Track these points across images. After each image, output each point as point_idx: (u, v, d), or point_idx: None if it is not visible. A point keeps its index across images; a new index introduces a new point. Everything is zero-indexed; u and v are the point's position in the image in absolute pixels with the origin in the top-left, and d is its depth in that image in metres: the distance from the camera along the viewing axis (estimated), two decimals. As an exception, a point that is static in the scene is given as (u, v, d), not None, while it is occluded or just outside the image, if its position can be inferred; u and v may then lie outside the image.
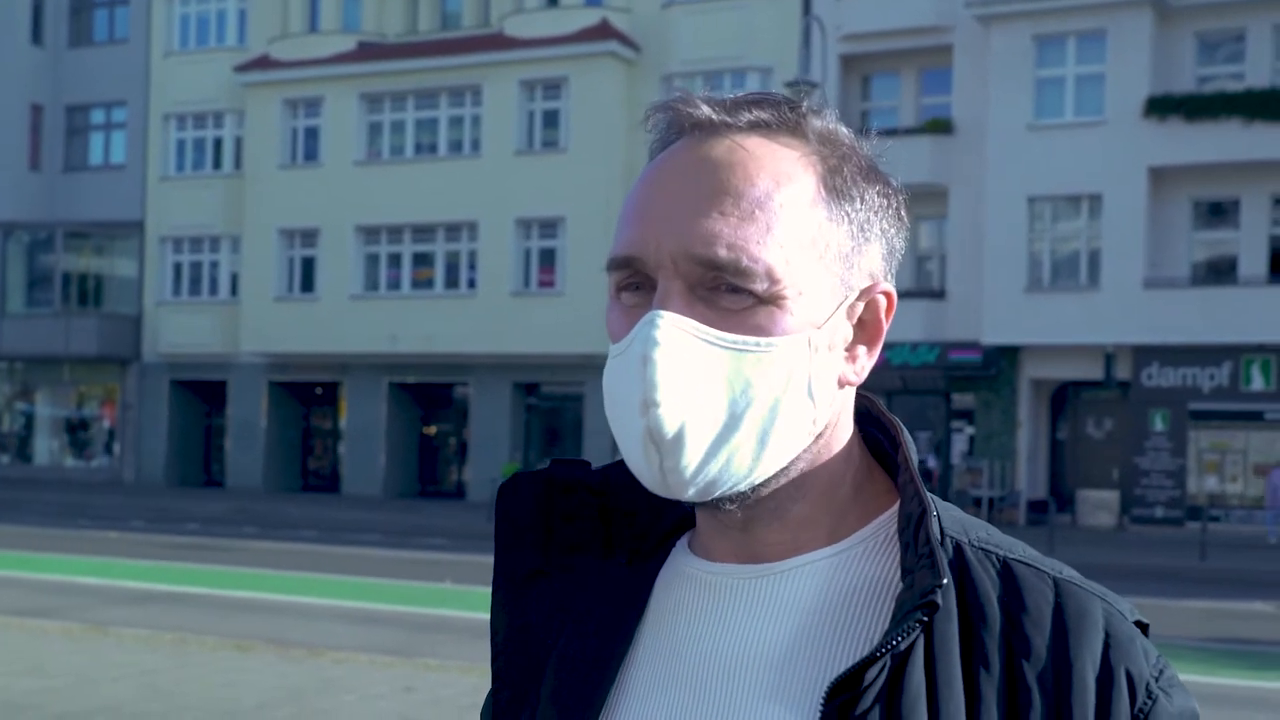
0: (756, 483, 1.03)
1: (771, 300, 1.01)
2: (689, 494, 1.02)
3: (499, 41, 30.56)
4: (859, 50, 28.05)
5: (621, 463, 1.15)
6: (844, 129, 1.08)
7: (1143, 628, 1.05)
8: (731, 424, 1.00)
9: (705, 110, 1.06)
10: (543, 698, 1.13)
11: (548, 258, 30.23)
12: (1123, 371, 25.91)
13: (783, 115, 1.06)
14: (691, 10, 29.15)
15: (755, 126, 1.05)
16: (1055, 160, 25.48)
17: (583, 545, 1.17)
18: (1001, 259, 25.82)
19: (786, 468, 1.04)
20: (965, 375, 26.93)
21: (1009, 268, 25.88)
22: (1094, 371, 26.04)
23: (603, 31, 29.36)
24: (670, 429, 0.99)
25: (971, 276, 26.29)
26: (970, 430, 27.48)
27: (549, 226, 30.12)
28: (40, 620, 11.59)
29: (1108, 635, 1.01)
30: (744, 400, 1.00)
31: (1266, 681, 10.45)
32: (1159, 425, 25.81)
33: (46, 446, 37.56)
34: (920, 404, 27.29)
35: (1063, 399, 27.70)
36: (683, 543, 1.15)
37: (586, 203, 29.14)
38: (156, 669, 9.43)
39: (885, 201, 1.08)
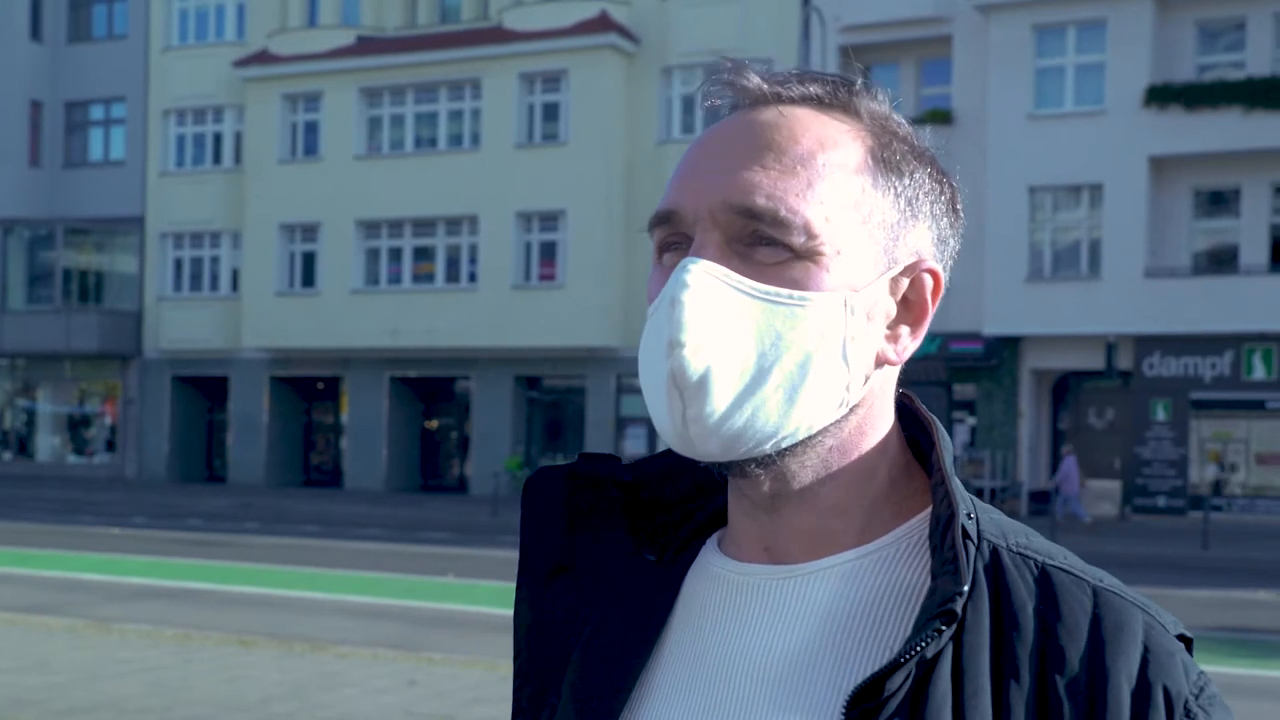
0: (783, 444, 1.00)
1: (808, 255, 0.99)
2: (711, 446, 0.98)
3: (498, 35, 30.54)
4: (858, 41, 27.99)
5: (651, 458, 1.15)
6: (897, 114, 1.07)
7: (1186, 642, 1.01)
8: (759, 375, 0.98)
9: (757, 81, 1.04)
10: (564, 695, 1.11)
11: (548, 251, 30.22)
12: (1124, 361, 25.91)
13: (836, 92, 1.05)
14: (691, 2, 29.11)
15: (807, 100, 1.04)
16: (1055, 150, 25.47)
17: (609, 541, 1.14)
18: (1002, 249, 25.81)
19: (815, 438, 1.02)
20: (966, 366, 26.94)
21: (1010, 258, 25.87)
22: (1095, 361, 26.03)
23: (602, 24, 29.33)
24: (695, 371, 0.96)
25: (972, 267, 26.26)
26: (972, 421, 27.49)
27: (549, 219, 30.11)
28: (44, 617, 11.61)
29: (1146, 649, 0.97)
30: (774, 353, 0.98)
31: (1270, 670, 10.46)
32: (1160, 415, 25.81)
33: (48, 443, 37.59)
34: (921, 395, 26.00)
35: (1064, 389, 27.70)
36: (712, 541, 1.13)
37: (587, 195, 29.13)
38: (160, 665, 9.44)
39: (937, 187, 1.07)
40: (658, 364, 0.98)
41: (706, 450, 0.99)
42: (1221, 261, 25.91)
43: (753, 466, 1.01)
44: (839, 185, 1.01)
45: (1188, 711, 0.96)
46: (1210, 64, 25.84)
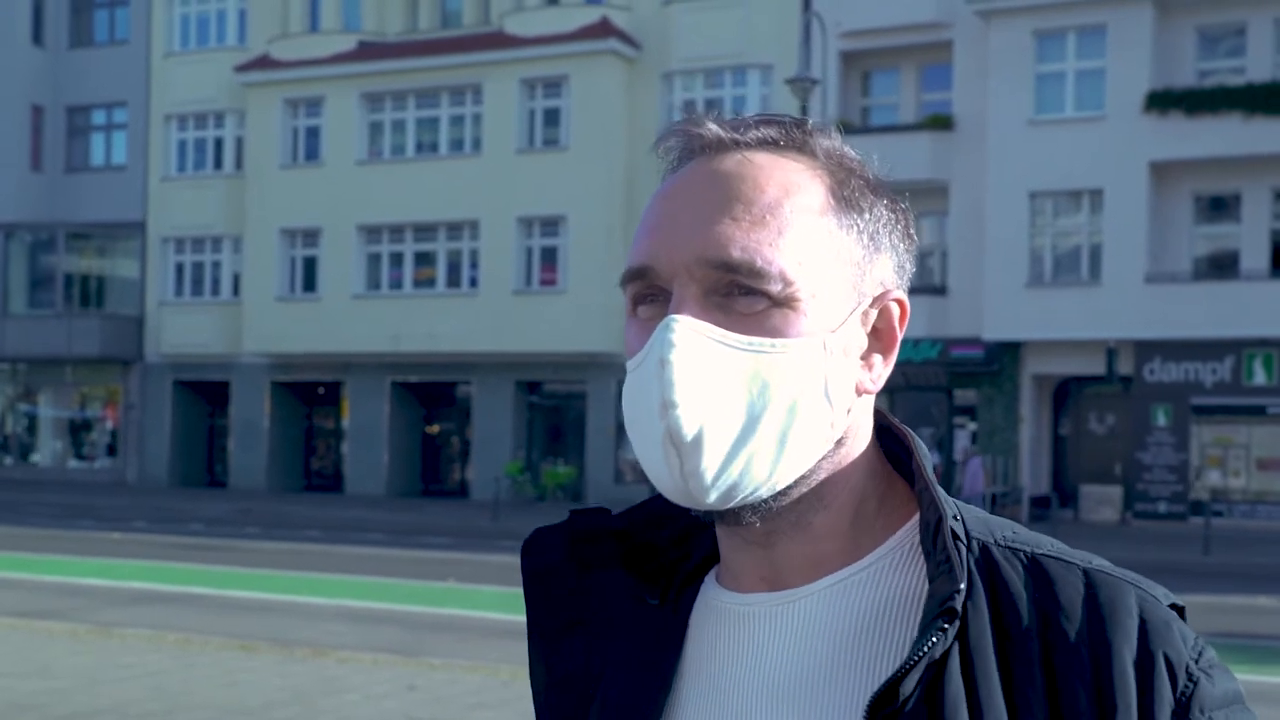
0: (778, 488, 1.03)
1: (786, 303, 1.02)
2: (710, 500, 1.01)
3: (499, 40, 30.56)
4: (859, 47, 28.04)
5: (641, 505, 1.18)
6: (850, 149, 1.10)
7: (1179, 610, 1.05)
8: (750, 425, 1.00)
9: (714, 129, 1.07)
10: None
11: (549, 256, 30.23)
12: (1125, 366, 25.90)
13: (790, 134, 1.08)
14: (692, 8, 29.14)
15: (763, 144, 1.07)
16: (1056, 155, 25.48)
17: (612, 591, 1.17)
18: (1003, 254, 25.81)
19: (808, 475, 1.05)
20: (967, 371, 26.93)
21: (1010, 263, 25.87)
22: (1096, 367, 26.02)
23: (603, 29, 29.35)
24: (689, 430, 0.99)
25: (973, 272, 26.28)
26: (973, 426, 27.48)
27: (550, 225, 30.12)
28: (45, 621, 11.61)
29: (1143, 621, 1.01)
30: (761, 402, 1.01)
31: (1271, 676, 10.46)
32: (1161, 420, 25.80)
33: (49, 448, 37.59)
34: (923, 400, 27.29)
35: (1065, 394, 27.70)
36: (711, 577, 1.16)
37: (588, 201, 29.14)
38: (161, 669, 9.44)
39: (894, 216, 1.10)
40: (652, 422, 1.00)
41: (706, 502, 1.02)
42: (1222, 267, 25.92)
43: (749, 515, 1.04)
44: (807, 230, 1.04)
45: (1190, 675, 1.01)
46: (1210, 69, 25.85)
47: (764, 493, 1.03)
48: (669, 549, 1.17)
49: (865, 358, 1.08)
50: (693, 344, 1.00)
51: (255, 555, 18.29)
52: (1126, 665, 0.99)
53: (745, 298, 1.02)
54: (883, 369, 1.09)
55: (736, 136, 1.06)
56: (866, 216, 1.07)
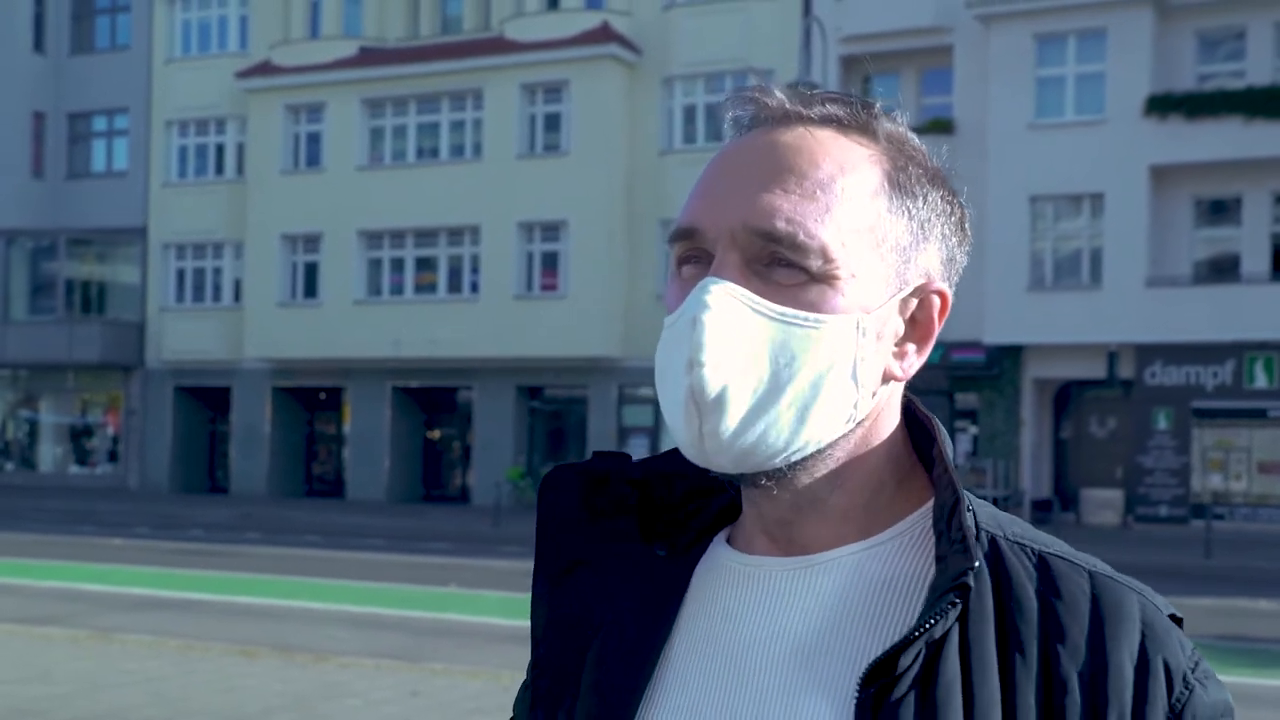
0: (793, 459, 1.04)
1: (824, 279, 1.02)
2: (724, 461, 1.03)
3: (500, 45, 30.59)
4: (859, 51, 28.02)
5: (662, 455, 1.18)
6: (913, 136, 1.11)
7: (1177, 621, 1.06)
8: (772, 394, 1.01)
9: (780, 99, 1.08)
10: (584, 687, 1.14)
11: (550, 261, 30.24)
12: (1126, 370, 25.90)
13: (855, 113, 1.08)
14: (692, 12, 29.17)
15: (827, 120, 1.07)
16: (1056, 159, 25.49)
17: (623, 537, 1.17)
18: (1003, 258, 25.81)
19: (824, 452, 1.06)
20: (968, 375, 26.93)
21: (1011, 267, 25.88)
22: (1097, 370, 26.02)
23: (603, 34, 29.37)
24: (712, 389, 1.00)
25: (974, 276, 26.17)
26: (974, 430, 27.48)
27: (551, 230, 30.13)
28: (45, 627, 11.60)
29: (1144, 626, 1.02)
30: (787, 373, 1.01)
31: (1272, 679, 10.45)
32: (1162, 424, 25.79)
33: (51, 454, 37.59)
34: (923, 404, 27.23)
35: (1066, 398, 27.69)
36: (721, 537, 1.17)
37: (589, 206, 29.15)
38: (162, 675, 9.44)
39: (948, 208, 1.11)
40: (678, 379, 1.02)
41: (720, 463, 1.03)
42: (1223, 270, 25.92)
43: (763, 480, 1.05)
44: (856, 210, 1.04)
45: (1186, 683, 1.02)
46: (1210, 73, 25.87)
47: (778, 463, 1.04)
48: (683, 503, 1.18)
49: (899, 345, 1.09)
50: (726, 307, 1.01)
51: (256, 561, 18.29)
52: (1125, 667, 1.00)
53: (785, 269, 1.02)
54: (915, 359, 1.10)
55: (801, 110, 1.07)
56: (919, 204, 1.08)
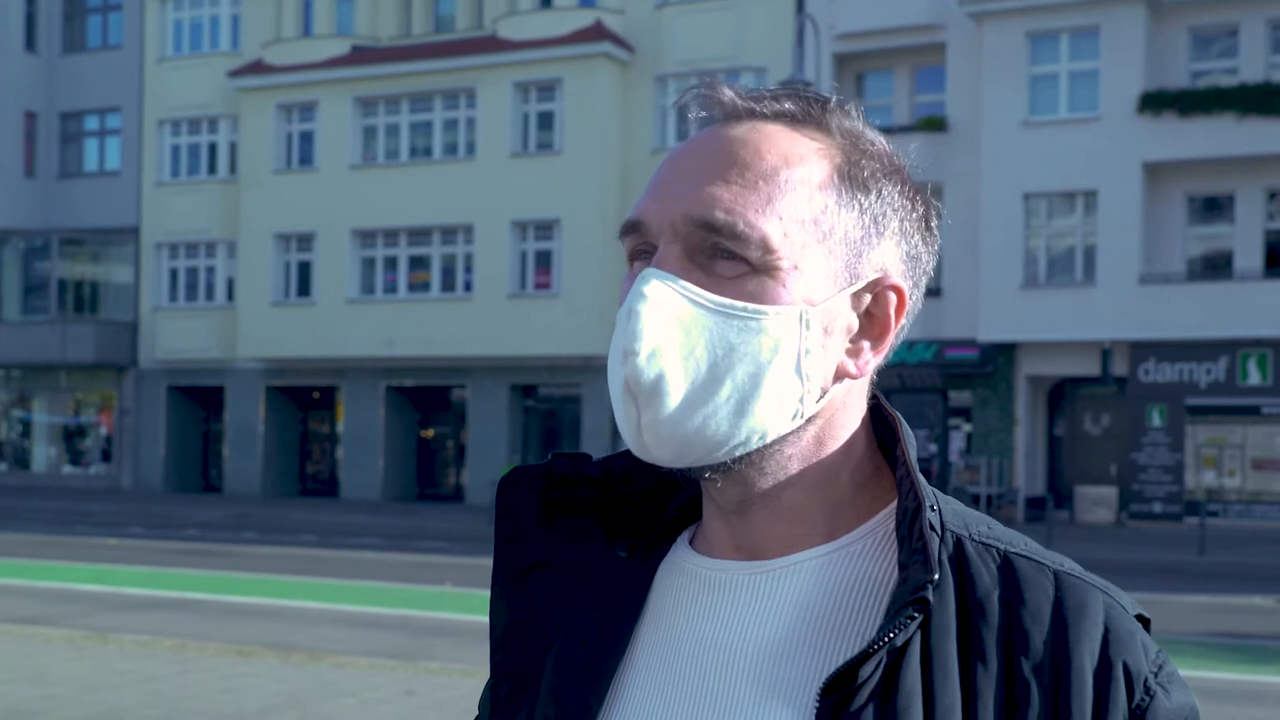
0: (737, 453, 1.02)
1: (765, 270, 1.01)
2: (666, 454, 1.02)
3: (493, 44, 30.57)
4: (852, 49, 28.08)
5: (620, 454, 1.17)
6: (872, 131, 1.09)
7: (1144, 622, 1.05)
8: (710, 385, 1.00)
9: (731, 96, 1.07)
10: (542, 692, 1.12)
11: (544, 260, 30.24)
12: (1119, 367, 25.94)
13: (809, 109, 1.07)
14: (685, 11, 29.17)
15: (779, 116, 1.06)
16: (1050, 157, 25.51)
17: (583, 538, 1.16)
18: (997, 256, 25.84)
19: (772, 448, 1.04)
20: (962, 373, 26.96)
21: (1005, 265, 25.90)
22: (1091, 368, 26.07)
23: (596, 33, 29.37)
24: (646, 378, 0.99)
25: (967, 274, 26.30)
26: (968, 428, 27.51)
27: (545, 228, 30.13)
28: (41, 627, 11.59)
29: (1107, 629, 1.01)
30: (726, 364, 1.00)
31: (1266, 676, 10.46)
32: (1156, 421, 25.83)
33: (44, 454, 37.53)
34: (917, 402, 27.29)
35: (1060, 395, 27.73)
36: (684, 538, 1.15)
37: (582, 204, 29.15)
38: (158, 675, 9.43)
39: (908, 204, 1.09)
40: (616, 370, 1.01)
41: (660, 455, 1.02)
42: (1216, 267, 25.97)
43: (708, 473, 1.04)
44: (800, 201, 1.03)
45: (1148, 688, 1.00)
46: (1203, 70, 25.90)
47: (721, 456, 1.02)
48: (643, 502, 1.17)
49: (854, 342, 1.06)
50: (662, 297, 1.00)
51: (251, 560, 18.27)
52: (1086, 671, 0.99)
53: (727, 261, 1.01)
54: (871, 356, 1.07)
55: (753, 106, 1.06)
56: (873, 198, 1.06)
